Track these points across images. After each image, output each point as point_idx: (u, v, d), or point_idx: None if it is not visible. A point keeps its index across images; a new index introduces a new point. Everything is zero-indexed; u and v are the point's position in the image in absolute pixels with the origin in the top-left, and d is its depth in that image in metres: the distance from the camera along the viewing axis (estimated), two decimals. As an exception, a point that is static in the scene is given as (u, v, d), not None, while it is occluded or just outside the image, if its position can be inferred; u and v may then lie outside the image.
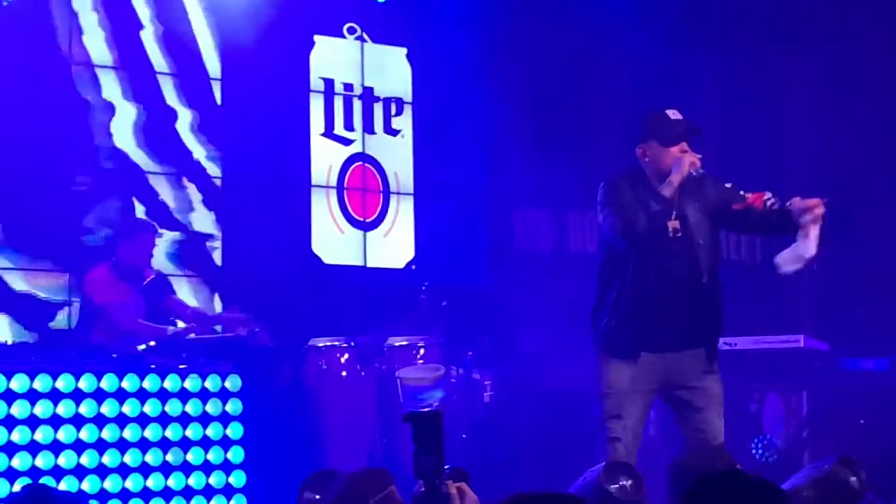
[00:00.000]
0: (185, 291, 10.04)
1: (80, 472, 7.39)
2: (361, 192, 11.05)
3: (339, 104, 11.05)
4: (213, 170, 10.34)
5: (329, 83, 11.02)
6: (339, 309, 9.51)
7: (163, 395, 7.70)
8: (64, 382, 7.41)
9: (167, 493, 7.61)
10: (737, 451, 8.07)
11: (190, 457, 7.73)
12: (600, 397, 6.45)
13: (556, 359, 10.20)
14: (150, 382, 7.67)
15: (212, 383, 7.87)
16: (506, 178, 11.14)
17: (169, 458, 7.66)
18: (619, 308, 6.37)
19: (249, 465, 7.89)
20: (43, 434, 7.32)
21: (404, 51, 11.36)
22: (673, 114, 6.43)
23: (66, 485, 7.28)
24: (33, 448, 7.28)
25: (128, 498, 7.49)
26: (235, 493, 7.83)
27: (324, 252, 10.80)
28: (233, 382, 7.94)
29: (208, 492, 7.75)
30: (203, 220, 10.27)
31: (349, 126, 11.07)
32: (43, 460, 7.29)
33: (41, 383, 7.36)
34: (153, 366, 7.76)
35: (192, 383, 7.81)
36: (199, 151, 10.30)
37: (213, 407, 7.85)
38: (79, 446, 7.40)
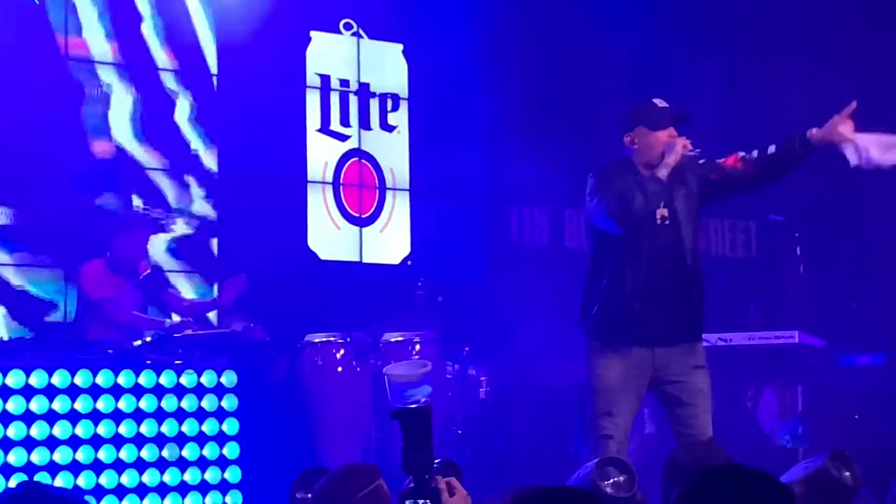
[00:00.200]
0: (183, 285, 10.05)
1: (75, 467, 7.39)
2: (357, 187, 11.05)
3: (335, 100, 11.05)
4: (210, 165, 10.34)
5: (325, 79, 11.02)
6: (334, 305, 9.52)
7: (158, 391, 7.70)
8: (59, 378, 7.41)
9: (163, 488, 7.61)
10: (728, 446, 8.09)
11: (185, 452, 7.72)
12: (590, 393, 6.42)
13: (552, 355, 10.21)
14: (145, 378, 7.67)
15: (207, 379, 7.87)
16: (502, 174, 11.14)
17: (165, 453, 7.65)
18: (610, 297, 6.36)
19: (245, 460, 7.88)
20: (38, 430, 7.31)
21: (400, 47, 11.36)
22: (659, 101, 6.44)
23: (62, 481, 7.28)
24: (29, 444, 7.28)
25: (123, 494, 7.49)
26: (231, 488, 7.83)
27: (320, 248, 10.80)
28: (228, 378, 7.94)
29: (204, 487, 7.75)
30: (199, 214, 10.25)
31: (345, 122, 11.07)
32: (39, 456, 7.29)
33: (37, 379, 7.35)
34: (149, 361, 7.75)
35: (187, 379, 7.81)
36: (196, 146, 10.29)
37: (208, 402, 7.85)
38: (74, 442, 7.40)
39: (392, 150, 11.22)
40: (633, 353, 6.34)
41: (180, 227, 10.16)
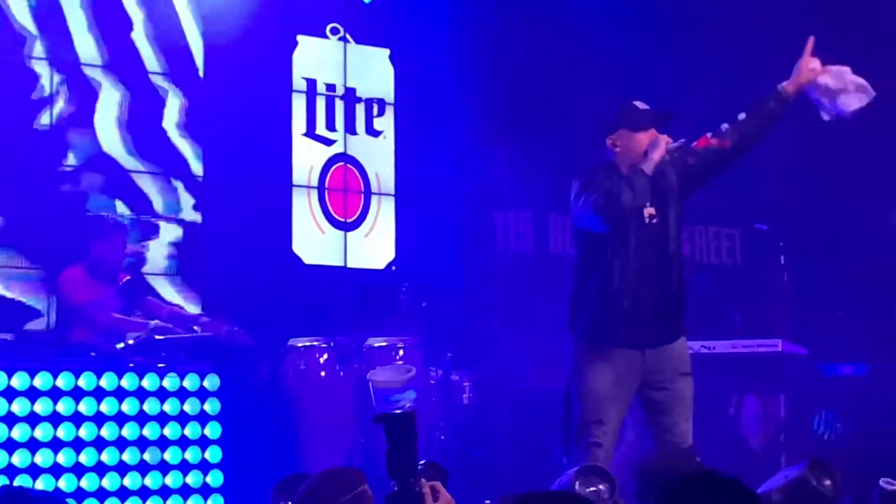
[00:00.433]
0: (166, 290, 10.02)
1: (56, 470, 7.37)
2: (343, 192, 11.04)
3: (321, 104, 11.04)
4: (195, 169, 10.32)
5: (311, 83, 11.01)
6: (318, 309, 9.50)
7: (141, 394, 7.69)
8: (41, 380, 7.39)
9: (144, 492, 7.60)
10: (711, 453, 8.10)
11: (167, 456, 7.71)
12: (579, 400, 6.41)
13: (536, 360, 10.22)
14: (128, 381, 7.65)
15: (190, 382, 7.86)
16: (487, 179, 11.14)
17: (146, 456, 7.64)
18: (601, 299, 6.35)
19: (227, 464, 7.88)
20: (20, 432, 7.29)
21: (387, 52, 11.36)
22: (639, 103, 6.45)
23: (43, 483, 7.26)
24: (9, 446, 7.26)
25: (105, 497, 7.48)
26: (213, 492, 7.82)
27: (304, 252, 10.79)
28: (211, 382, 7.93)
29: (185, 491, 7.73)
30: (184, 218, 10.24)
31: (331, 126, 11.06)
32: (19, 458, 7.27)
33: (18, 381, 7.33)
34: (132, 364, 7.74)
35: (170, 382, 7.79)
36: (181, 150, 10.27)
37: (191, 406, 7.84)
38: (56, 444, 7.38)
39: (378, 155, 11.21)
40: (624, 354, 6.34)
41: (164, 232, 10.14)
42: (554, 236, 11.54)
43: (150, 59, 10.17)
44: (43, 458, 7.33)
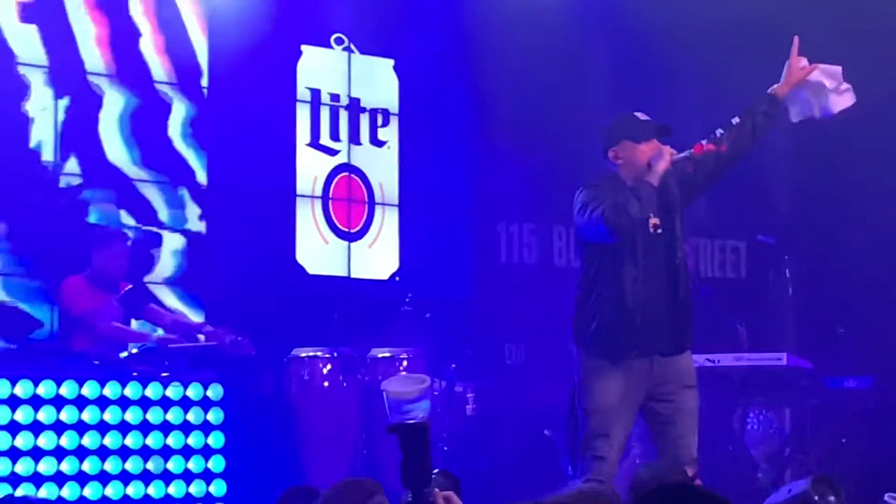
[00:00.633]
0: (170, 299, 10.01)
1: (59, 478, 7.36)
2: (346, 202, 11.03)
3: (325, 114, 11.04)
4: (200, 177, 10.31)
5: (316, 93, 11.01)
6: (322, 319, 9.48)
7: (144, 403, 7.68)
8: (45, 388, 7.39)
9: (147, 501, 7.60)
10: (715, 467, 8.08)
11: (171, 465, 7.70)
12: (586, 412, 6.37)
13: (539, 372, 10.20)
14: (131, 390, 7.65)
15: (194, 392, 7.85)
16: (491, 190, 11.13)
17: (150, 466, 7.63)
18: (609, 309, 6.31)
19: (230, 474, 7.87)
20: (23, 440, 7.29)
21: (392, 62, 11.35)
22: (640, 114, 6.45)
23: (46, 491, 7.26)
24: (13, 454, 7.26)
25: (107, 506, 7.47)
26: (216, 502, 7.81)
27: (308, 262, 10.77)
28: (215, 391, 7.93)
29: (188, 500, 7.73)
30: (188, 227, 10.23)
31: (335, 136, 11.05)
32: (23, 466, 7.26)
33: (22, 389, 7.33)
34: (135, 373, 7.73)
35: (173, 391, 7.79)
36: (185, 159, 10.27)
37: (194, 415, 7.83)
38: (59, 453, 7.38)
39: (382, 166, 11.20)
40: (633, 365, 6.31)
41: (168, 241, 10.12)
42: (558, 248, 11.53)
43: (157, 68, 10.17)
44: (46, 466, 7.32)
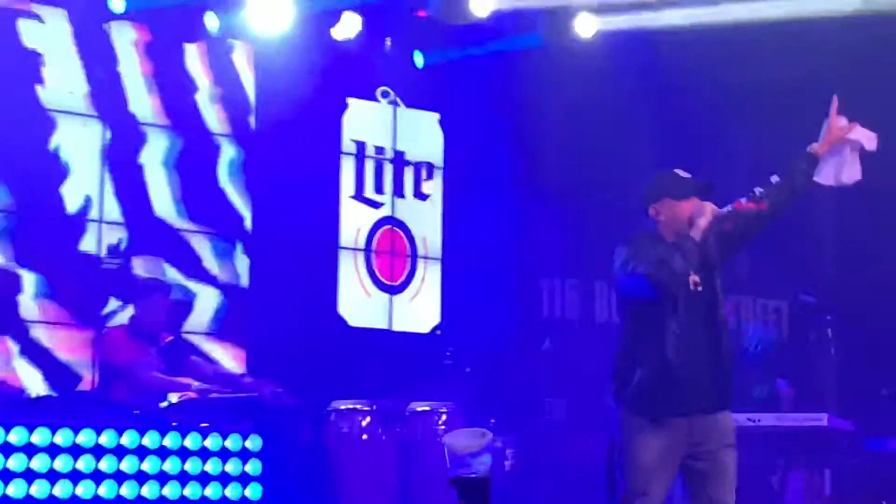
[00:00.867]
0: (211, 348, 10.05)
1: (97, 528, 7.38)
2: (389, 255, 11.06)
3: (369, 167, 11.10)
4: (245, 228, 10.37)
5: (361, 146, 11.07)
6: (362, 372, 9.49)
7: (183, 453, 7.69)
8: (85, 437, 7.41)
9: (184, 551, 7.59)
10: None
11: (208, 516, 7.71)
12: (625, 470, 6.34)
13: (579, 427, 10.16)
14: (170, 440, 7.66)
15: (232, 443, 7.86)
16: (534, 245, 11.14)
17: (187, 516, 7.64)
18: (654, 368, 6.29)
19: (267, 526, 7.86)
20: (61, 489, 7.31)
21: (437, 116, 11.41)
22: (681, 172, 6.45)
23: (84, 541, 7.27)
24: (51, 503, 7.27)
25: (144, 555, 7.48)
26: (252, 554, 7.80)
27: (349, 314, 10.80)
28: (253, 442, 7.93)
29: (225, 552, 7.72)
30: (233, 279, 10.28)
31: (379, 189, 11.10)
32: (61, 515, 7.29)
33: (62, 438, 7.36)
34: (175, 423, 7.75)
35: (212, 442, 7.80)
36: (232, 210, 10.34)
37: (233, 466, 7.84)
38: (97, 502, 7.39)
39: (425, 219, 11.24)
40: (673, 424, 6.28)
41: (210, 291, 10.17)
42: (599, 303, 11.51)
43: (213, 120, 10.26)
44: (84, 515, 7.34)
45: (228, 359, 10.07)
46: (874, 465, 9.21)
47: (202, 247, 10.19)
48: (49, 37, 9.61)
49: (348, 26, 10.20)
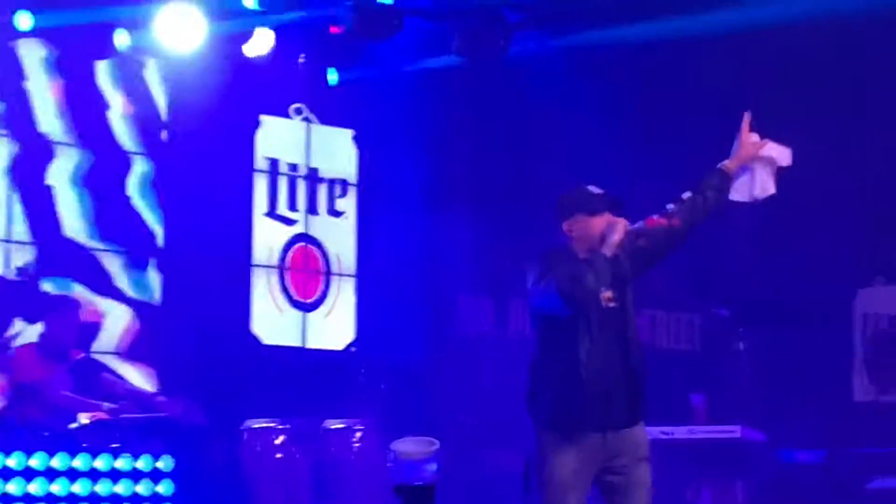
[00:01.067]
0: (122, 368, 9.94)
1: (5, 551, 7.27)
2: (303, 272, 11.01)
3: (283, 184, 11.04)
4: (157, 245, 10.28)
5: (274, 163, 11.02)
6: (276, 390, 9.43)
7: (93, 475, 7.60)
8: (-7, 459, 7.31)
9: (95, 575, 7.50)
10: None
11: (120, 539, 7.62)
12: (540, 486, 6.37)
13: (495, 440, 10.17)
14: (81, 461, 7.57)
15: (144, 463, 7.78)
16: (448, 261, 11.14)
17: (98, 538, 7.55)
18: (563, 382, 6.31)
19: (180, 547, 7.78)
20: (-32, 512, 7.21)
21: (351, 133, 11.38)
22: (593, 188, 6.47)
23: (-9, 565, 7.16)
24: (-42, 526, 7.17)
25: (54, 580, 7.38)
26: (165, 576, 7.72)
27: (263, 332, 10.74)
28: (165, 463, 7.85)
29: (137, 575, 7.64)
30: (145, 296, 10.19)
31: (293, 206, 11.05)
32: (-33, 539, 7.17)
33: (-31, 460, 7.25)
34: (85, 444, 7.66)
35: (123, 463, 7.71)
36: (144, 226, 10.24)
37: (144, 487, 7.76)
38: (5, 525, 7.29)
39: (339, 236, 11.21)
40: (587, 439, 6.30)
41: (121, 309, 10.07)
42: (514, 319, 11.52)
43: (122, 134, 10.17)
44: (-8, 539, 7.23)
45: (140, 377, 9.95)
46: (787, 476, 9.31)
47: (112, 264, 10.09)
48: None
49: (261, 43, 10.15)
